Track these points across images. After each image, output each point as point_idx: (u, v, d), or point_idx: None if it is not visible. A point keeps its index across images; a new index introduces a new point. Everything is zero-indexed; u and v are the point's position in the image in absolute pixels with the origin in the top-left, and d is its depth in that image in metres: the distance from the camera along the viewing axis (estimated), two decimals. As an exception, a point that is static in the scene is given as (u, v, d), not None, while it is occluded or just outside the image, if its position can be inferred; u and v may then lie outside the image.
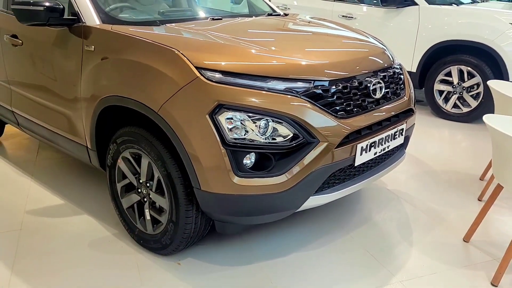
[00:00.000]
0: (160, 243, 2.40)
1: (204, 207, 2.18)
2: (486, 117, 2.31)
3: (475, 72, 4.71)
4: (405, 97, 2.65)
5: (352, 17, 5.54)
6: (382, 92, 2.43)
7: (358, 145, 2.27)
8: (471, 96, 4.82)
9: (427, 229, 2.80)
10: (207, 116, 2.01)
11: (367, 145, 2.32)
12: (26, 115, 3.23)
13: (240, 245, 2.59)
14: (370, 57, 2.55)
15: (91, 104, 2.49)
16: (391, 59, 2.71)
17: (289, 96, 2.10)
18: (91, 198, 3.10)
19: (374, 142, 2.37)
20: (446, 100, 5.01)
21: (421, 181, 3.47)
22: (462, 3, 5.35)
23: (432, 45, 4.94)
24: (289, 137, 2.07)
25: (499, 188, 2.47)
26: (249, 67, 2.12)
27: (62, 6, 2.54)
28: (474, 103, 4.79)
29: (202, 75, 2.06)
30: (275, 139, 2.06)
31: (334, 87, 2.21)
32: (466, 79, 4.80)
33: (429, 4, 5.03)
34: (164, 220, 2.34)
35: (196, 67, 2.08)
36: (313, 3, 6.02)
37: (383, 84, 2.44)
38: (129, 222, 2.57)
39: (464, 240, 2.66)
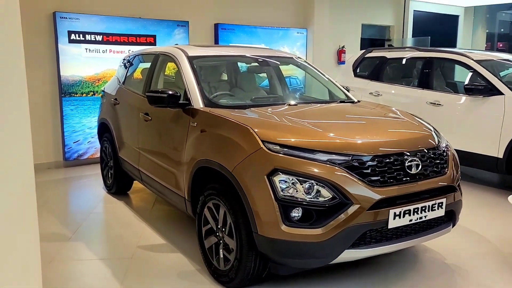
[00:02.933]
0: (228, 277, 3.03)
1: (260, 248, 2.79)
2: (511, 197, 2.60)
3: (563, 161, 4.71)
4: (446, 175, 3.04)
5: (439, 104, 5.90)
6: (419, 169, 2.88)
7: (390, 210, 2.72)
8: (560, 184, 4.76)
9: (471, 300, 3.00)
10: (265, 177, 2.68)
11: (400, 212, 2.76)
12: (147, 172, 4.23)
13: (293, 289, 3.09)
14: (410, 139, 3.05)
15: (190, 165, 3.33)
16: (436, 141, 3.15)
17: (330, 166, 2.69)
18: (186, 240, 3.87)
19: (409, 210, 2.79)
20: (535, 187, 5.00)
21: (483, 260, 3.61)
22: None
23: (518, 132, 5.06)
24: (328, 198, 2.63)
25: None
26: (301, 142, 2.79)
27: (179, 94, 3.52)
28: None
29: (265, 146, 2.77)
30: (318, 199, 2.64)
31: (369, 161, 2.74)
32: (554, 167, 4.79)
33: (515, 93, 5.23)
34: (232, 258, 2.98)
35: (262, 140, 2.80)
36: (405, 91, 6.52)
37: (419, 162, 2.89)
38: (208, 259, 3.25)
39: (504, 313, 2.82)
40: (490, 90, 5.39)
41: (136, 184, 5.28)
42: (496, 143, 5.27)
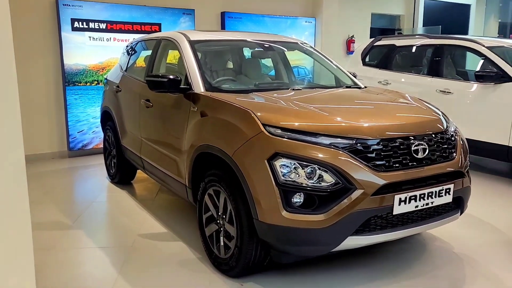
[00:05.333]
0: (228, 266, 2.95)
1: (260, 235, 2.70)
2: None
3: None
4: (454, 160, 2.92)
5: (449, 92, 5.75)
6: (425, 153, 2.77)
7: (396, 196, 2.61)
8: None
9: (480, 290, 2.90)
10: (266, 161, 2.59)
11: (406, 198, 2.65)
12: (149, 160, 4.16)
13: (295, 277, 2.99)
14: (417, 123, 2.93)
15: (190, 151, 3.25)
16: (444, 126, 3.03)
17: (333, 150, 2.58)
18: (188, 229, 3.80)
19: (415, 196, 2.68)
20: (548, 176, 4.85)
21: (493, 249, 3.49)
22: None
23: (530, 120, 4.91)
24: (331, 182, 2.53)
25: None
26: (303, 125, 2.68)
27: (179, 78, 3.44)
28: None
29: (265, 129, 2.67)
30: (320, 184, 2.54)
31: (374, 145, 2.64)
32: None
33: (527, 80, 5.07)
34: (233, 245, 2.90)
35: (262, 124, 2.70)
36: (414, 79, 6.37)
37: (426, 146, 2.78)
38: (209, 247, 3.18)
39: (514, 303, 2.71)
40: (502, 77, 5.23)
41: (140, 174, 5.22)
42: (507, 131, 5.13)
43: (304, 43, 4.57)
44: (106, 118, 5.24)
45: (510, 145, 5.10)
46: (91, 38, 6.34)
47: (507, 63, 5.31)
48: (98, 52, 6.44)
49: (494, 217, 4.14)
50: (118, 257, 3.32)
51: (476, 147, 5.29)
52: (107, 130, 5.25)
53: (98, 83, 6.50)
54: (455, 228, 3.68)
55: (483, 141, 5.34)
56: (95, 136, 6.58)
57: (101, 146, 6.16)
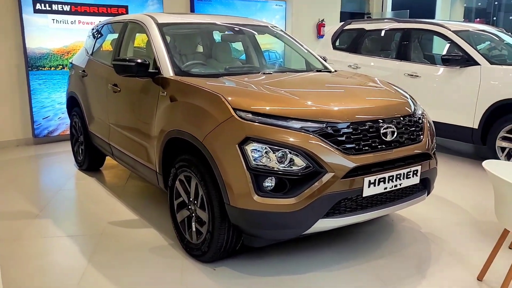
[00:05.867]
0: (200, 251, 2.94)
1: (232, 220, 2.70)
2: (485, 163, 2.56)
3: (537, 130, 4.73)
4: (421, 142, 2.98)
5: (417, 76, 5.85)
6: (394, 136, 2.81)
7: (365, 178, 2.65)
8: (534, 153, 4.80)
9: (445, 267, 2.99)
10: (237, 146, 2.58)
11: (375, 180, 2.69)
12: (118, 147, 4.08)
13: (267, 261, 3.02)
14: (385, 106, 2.97)
15: (160, 137, 3.20)
16: (412, 109, 3.09)
17: (304, 134, 2.59)
18: (160, 216, 3.76)
19: (384, 178, 2.73)
20: (509, 157, 5.02)
21: (458, 228, 3.61)
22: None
23: (494, 102, 5.06)
24: (302, 166, 2.55)
25: (506, 231, 2.64)
26: (273, 109, 2.68)
27: (148, 62, 3.36)
28: (537, 161, 4.76)
29: (236, 114, 2.65)
30: (291, 168, 2.55)
31: (344, 128, 2.66)
32: (528, 136, 4.82)
33: (490, 64, 5.20)
34: (204, 231, 2.89)
35: (233, 108, 2.68)
36: (383, 63, 6.44)
37: (395, 129, 2.82)
38: (181, 233, 3.16)
39: (477, 279, 2.81)
40: (467, 61, 5.35)
41: (110, 160, 5.12)
42: (472, 114, 5.27)
43: (275, 26, 4.54)
44: (72, 104, 5.09)
45: (474, 127, 5.26)
46: (55, 21, 6.10)
47: (472, 47, 5.43)
48: (63, 36, 6.22)
49: (459, 197, 4.28)
50: (88, 246, 3.26)
51: (443, 130, 5.44)
52: (73, 116, 5.11)
53: (63, 68, 6.30)
54: (423, 209, 3.79)
55: (449, 124, 5.48)
56: (62, 122, 6.40)
57: (68, 132, 6.00)
